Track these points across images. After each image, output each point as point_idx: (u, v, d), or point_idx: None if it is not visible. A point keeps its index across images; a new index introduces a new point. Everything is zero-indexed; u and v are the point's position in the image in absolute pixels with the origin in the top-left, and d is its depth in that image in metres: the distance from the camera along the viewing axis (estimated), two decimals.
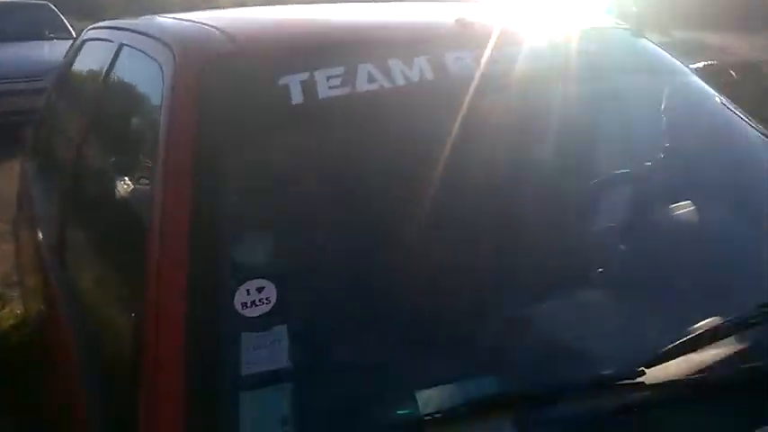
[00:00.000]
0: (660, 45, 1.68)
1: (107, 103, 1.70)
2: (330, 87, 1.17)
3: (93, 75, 1.95)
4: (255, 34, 1.39)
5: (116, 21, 1.98)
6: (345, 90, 1.17)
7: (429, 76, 1.23)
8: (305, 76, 1.17)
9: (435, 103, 1.23)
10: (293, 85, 1.16)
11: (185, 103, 1.16)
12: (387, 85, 1.20)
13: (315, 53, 1.24)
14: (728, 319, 1.03)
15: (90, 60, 2.08)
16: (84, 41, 2.27)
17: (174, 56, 1.27)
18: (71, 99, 2.24)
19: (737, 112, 1.56)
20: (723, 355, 0.99)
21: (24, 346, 2.27)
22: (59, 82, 2.46)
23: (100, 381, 1.10)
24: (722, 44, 10.92)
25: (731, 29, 12.06)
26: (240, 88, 1.17)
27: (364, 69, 1.21)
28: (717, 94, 1.59)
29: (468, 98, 1.25)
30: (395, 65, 1.23)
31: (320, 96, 1.16)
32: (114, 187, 1.36)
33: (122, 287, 1.19)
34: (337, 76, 1.19)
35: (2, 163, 4.54)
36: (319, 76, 1.18)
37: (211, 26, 1.37)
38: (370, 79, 1.20)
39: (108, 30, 1.96)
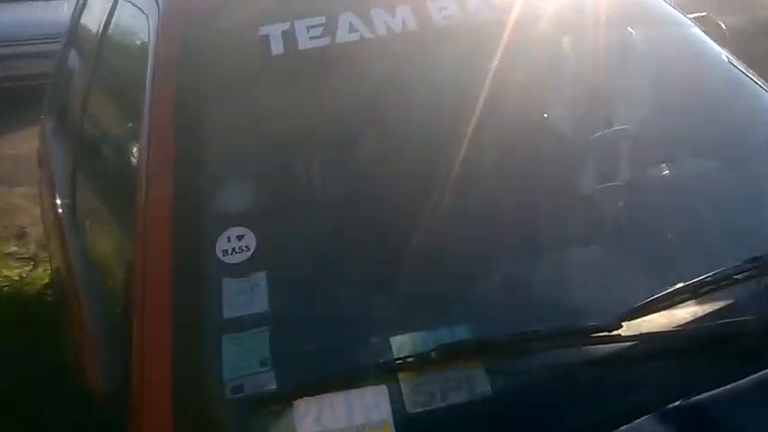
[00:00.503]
0: None
1: (103, 57, 1.73)
2: (311, 38, 1.16)
3: (92, 29, 1.97)
4: None
5: None
6: (326, 40, 1.16)
7: (412, 26, 1.21)
8: (286, 26, 1.17)
9: (417, 54, 1.21)
10: (274, 35, 1.16)
11: (168, 53, 1.17)
12: (368, 35, 1.18)
13: (295, 3, 1.23)
14: (712, 274, 0.99)
15: (91, 16, 2.10)
16: None
17: (158, 7, 1.28)
18: (76, 55, 2.28)
19: (740, 67, 1.48)
20: (704, 311, 0.97)
21: (57, 303, 2.39)
22: (67, 39, 2.49)
23: (102, 326, 1.17)
24: None
25: None
26: (221, 38, 1.18)
27: (345, 19, 1.19)
28: (720, 48, 1.51)
29: (452, 49, 1.23)
30: (377, 14, 1.20)
31: (300, 47, 1.15)
32: (111, 138, 1.39)
33: (119, 236, 1.24)
34: (318, 26, 1.18)
35: (26, 128, 4.68)
36: (299, 26, 1.17)
37: None
38: (351, 29, 1.18)
39: None
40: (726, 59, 1.48)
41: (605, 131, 1.57)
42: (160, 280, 0.94)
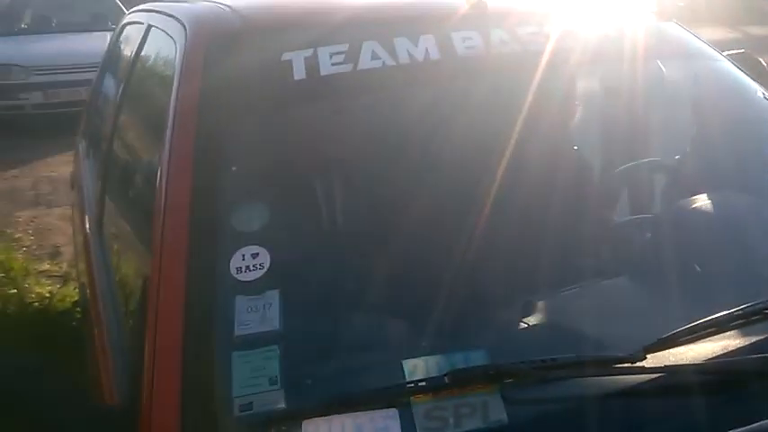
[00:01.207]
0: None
1: (135, 82, 1.78)
2: (333, 64, 1.18)
3: (126, 56, 2.04)
4: (263, 12, 1.43)
5: (147, 4, 2.05)
6: (348, 67, 1.18)
7: (435, 55, 1.21)
8: (308, 52, 1.19)
9: (439, 82, 1.21)
10: (296, 61, 1.18)
11: (192, 75, 1.20)
12: (390, 63, 1.19)
13: (319, 30, 1.25)
14: (741, 308, 0.96)
15: (125, 43, 2.18)
16: (123, 26, 2.38)
17: (186, 32, 1.32)
18: (110, 80, 2.36)
19: None
20: (733, 345, 0.93)
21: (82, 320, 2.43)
22: (103, 65, 2.59)
23: (119, 340, 1.18)
24: None
25: None
26: (244, 62, 1.21)
27: (368, 47, 1.21)
28: (751, 80, 1.48)
29: (474, 79, 1.23)
30: (400, 43, 1.22)
31: (322, 73, 1.17)
32: (136, 161, 1.42)
33: (139, 255, 1.26)
34: (340, 53, 1.20)
35: (65, 152, 4.83)
36: (322, 52, 1.19)
37: (223, 5, 1.41)
38: (374, 57, 1.20)
39: (140, 13, 2.04)
40: (761, 94, 1.45)
41: (635, 163, 1.55)
42: (175, 295, 0.95)
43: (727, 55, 1.57)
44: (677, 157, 1.53)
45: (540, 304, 1.09)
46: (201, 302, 0.94)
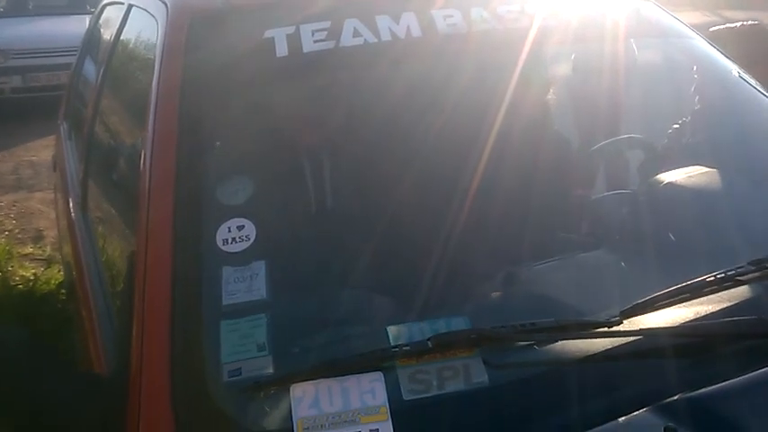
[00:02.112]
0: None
1: (116, 62, 1.78)
2: (315, 41, 1.19)
3: (107, 36, 2.03)
4: None
5: None
6: (330, 44, 1.19)
7: (416, 33, 1.23)
8: (291, 30, 1.20)
9: (421, 60, 1.23)
10: (279, 38, 1.19)
11: (175, 53, 1.20)
12: (372, 40, 1.20)
13: (301, 8, 1.26)
14: (715, 274, 1.00)
15: (106, 23, 2.16)
16: (103, 6, 2.35)
17: (167, 11, 1.32)
18: (91, 61, 2.34)
19: (747, 79, 1.48)
20: (706, 310, 0.96)
21: (68, 301, 2.43)
22: (83, 46, 2.56)
23: (107, 311, 1.19)
24: None
25: None
26: (226, 40, 1.21)
27: (350, 24, 1.22)
28: (727, 58, 1.51)
29: (455, 57, 1.24)
30: (382, 20, 1.23)
31: (305, 50, 1.18)
32: (119, 137, 1.43)
33: (125, 230, 1.27)
34: (323, 30, 1.20)
35: (45, 137, 4.77)
36: (304, 29, 1.20)
37: None
38: (356, 34, 1.21)
39: None
40: (736, 73, 1.48)
41: (612, 140, 1.58)
42: (162, 266, 0.96)
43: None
44: (651, 134, 1.56)
45: (521, 275, 1.12)
46: (189, 274, 0.96)
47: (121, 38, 1.77)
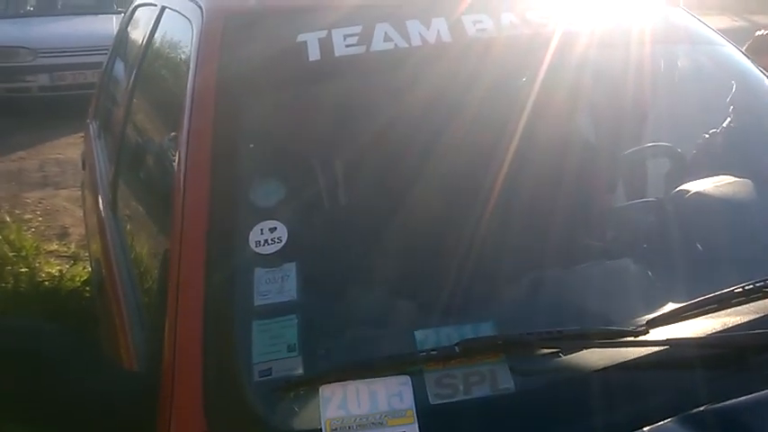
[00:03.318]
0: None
1: (149, 63, 1.81)
2: (347, 46, 1.21)
3: (139, 37, 2.06)
4: None
5: None
6: (361, 48, 1.21)
7: (446, 38, 1.24)
8: (323, 34, 1.22)
9: (451, 64, 1.24)
10: (311, 42, 1.21)
11: (210, 56, 1.23)
12: (402, 44, 1.22)
13: (333, 12, 1.28)
14: (742, 285, 0.99)
15: (137, 24, 2.20)
16: (135, 8, 2.39)
17: (202, 13, 1.35)
18: (122, 61, 2.38)
19: None
20: (734, 321, 0.95)
21: (94, 299, 2.47)
22: (114, 47, 2.61)
23: (138, 309, 1.21)
24: None
25: None
26: (260, 42, 1.24)
27: (381, 29, 1.24)
28: (756, 67, 1.50)
29: (485, 61, 1.25)
30: (412, 25, 1.25)
31: (336, 54, 1.20)
32: (152, 137, 1.45)
33: (157, 230, 1.30)
34: (354, 34, 1.22)
35: (72, 134, 4.86)
36: (336, 34, 1.22)
37: None
38: (386, 39, 1.23)
39: None
40: (762, 77, 1.47)
41: (640, 147, 1.57)
42: (196, 267, 0.98)
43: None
44: (682, 142, 1.55)
45: (548, 281, 1.12)
46: (222, 274, 0.98)
47: (154, 39, 1.80)
